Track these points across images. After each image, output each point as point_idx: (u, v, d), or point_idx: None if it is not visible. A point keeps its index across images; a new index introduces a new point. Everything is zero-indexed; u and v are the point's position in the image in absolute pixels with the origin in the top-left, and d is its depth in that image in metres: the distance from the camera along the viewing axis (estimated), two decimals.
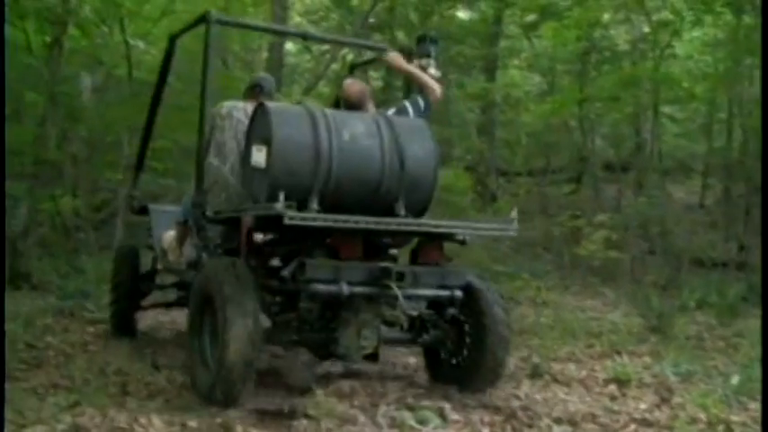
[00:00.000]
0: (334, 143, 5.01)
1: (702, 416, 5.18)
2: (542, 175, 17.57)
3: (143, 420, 4.51)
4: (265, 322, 5.19)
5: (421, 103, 6.02)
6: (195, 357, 5.26)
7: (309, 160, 4.95)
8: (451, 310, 5.49)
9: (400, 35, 19.41)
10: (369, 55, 8.18)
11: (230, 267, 5.01)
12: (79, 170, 11.68)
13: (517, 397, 5.78)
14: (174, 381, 5.75)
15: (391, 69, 6.57)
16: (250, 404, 5.06)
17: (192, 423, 4.55)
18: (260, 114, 5.25)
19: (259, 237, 5.29)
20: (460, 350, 5.68)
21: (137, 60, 11.01)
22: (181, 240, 6.73)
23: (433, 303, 5.60)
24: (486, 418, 5.09)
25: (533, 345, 7.60)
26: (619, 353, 7.26)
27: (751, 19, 11.89)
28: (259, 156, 5.11)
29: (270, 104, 5.30)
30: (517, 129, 17.85)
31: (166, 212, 7.22)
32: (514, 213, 5.35)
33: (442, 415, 5.07)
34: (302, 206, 4.81)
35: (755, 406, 5.38)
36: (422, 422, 4.92)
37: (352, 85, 6.01)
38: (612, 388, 6.06)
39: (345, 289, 4.88)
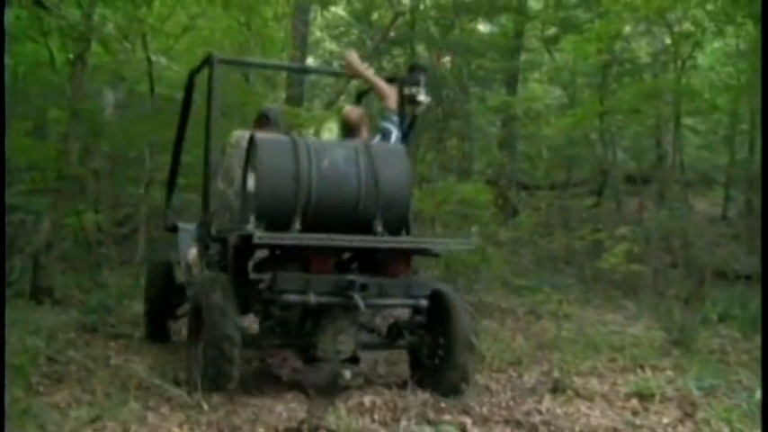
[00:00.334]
0: (314, 169, 5.60)
1: (726, 431, 5.14)
2: (563, 188, 17.50)
3: None
4: (256, 328, 6.09)
5: (394, 119, 6.69)
6: (191, 357, 5.91)
7: (291, 185, 5.55)
8: (418, 318, 6.06)
9: (420, 49, 19.48)
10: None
11: (217, 280, 5.79)
12: (101, 185, 11.78)
13: (539, 411, 5.75)
14: (195, 395, 5.76)
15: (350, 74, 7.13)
16: (272, 419, 5.07)
17: None
18: (251, 145, 5.83)
19: (261, 254, 5.89)
20: (435, 355, 6.08)
21: (158, 76, 11.10)
22: (201, 256, 6.98)
23: (415, 311, 6.11)
24: None
25: (555, 359, 7.55)
26: (641, 367, 7.19)
27: None
28: (251, 181, 5.71)
29: (259, 137, 5.88)
30: (538, 142, 17.81)
31: (192, 231, 7.62)
32: (474, 229, 6.11)
33: (463, 430, 5.07)
34: (286, 226, 5.47)
35: None
36: None
37: (352, 112, 6.97)
38: (635, 402, 6.01)
39: (313, 299, 5.46)
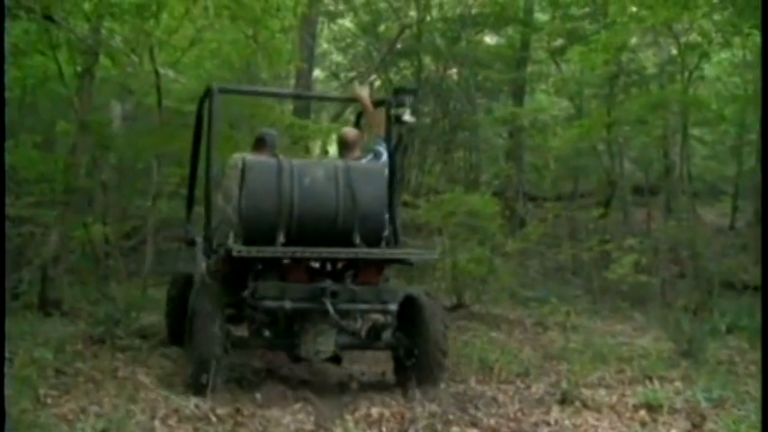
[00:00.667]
0: (296, 187, 6.27)
1: None
2: (571, 199, 17.49)
3: None
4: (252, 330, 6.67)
5: (383, 144, 7.25)
6: (187, 354, 6.53)
7: (275, 202, 6.23)
8: (389, 319, 6.51)
9: (427, 61, 19.52)
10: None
11: (208, 288, 6.59)
12: (109, 197, 11.80)
13: (547, 423, 5.74)
14: (202, 407, 5.77)
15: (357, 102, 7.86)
16: (280, 431, 5.07)
17: None
18: (242, 167, 6.51)
19: (258, 267, 6.42)
20: (411, 354, 6.60)
21: (166, 89, 11.10)
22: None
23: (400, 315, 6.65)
24: None
25: (562, 370, 7.54)
26: (649, 378, 7.17)
27: None
28: (241, 199, 6.41)
29: (248, 159, 6.66)
30: (545, 153, 17.78)
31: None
32: (438, 239, 6.91)
33: None
34: (272, 239, 6.15)
35: None
36: None
37: (349, 133, 7.64)
38: (643, 414, 5.99)
39: (288, 305, 6.11)
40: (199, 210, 8.16)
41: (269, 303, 6.17)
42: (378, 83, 20.34)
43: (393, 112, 7.16)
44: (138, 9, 9.30)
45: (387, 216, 6.67)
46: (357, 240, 6.34)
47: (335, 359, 6.61)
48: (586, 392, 6.55)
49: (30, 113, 12.67)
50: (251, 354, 7.85)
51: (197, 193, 8.26)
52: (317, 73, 21.38)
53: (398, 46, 18.66)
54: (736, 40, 13.69)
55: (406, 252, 6.93)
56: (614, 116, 14.84)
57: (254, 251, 6.05)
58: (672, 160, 16.35)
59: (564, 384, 6.77)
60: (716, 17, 12.44)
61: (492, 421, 5.77)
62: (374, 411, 5.94)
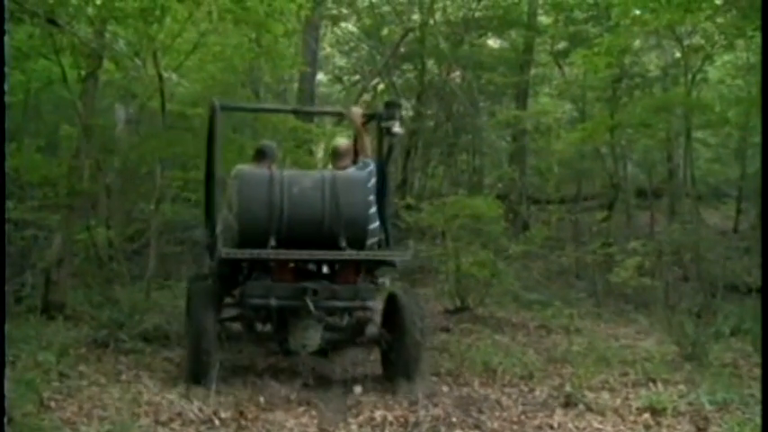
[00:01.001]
0: (286, 196, 6.78)
1: None
2: (574, 202, 17.47)
3: None
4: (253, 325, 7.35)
5: (371, 160, 7.67)
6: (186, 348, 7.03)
7: (265, 210, 6.74)
8: (368, 314, 7.07)
9: (430, 64, 19.53)
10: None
11: (204, 287, 7.28)
12: (113, 201, 11.82)
13: (550, 426, 5.74)
14: (205, 410, 5.77)
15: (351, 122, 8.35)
16: None
17: None
18: (238, 178, 7.13)
19: (249, 267, 6.99)
20: (393, 349, 7.06)
21: (170, 92, 11.12)
22: None
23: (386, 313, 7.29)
24: None
25: (566, 373, 7.54)
26: (653, 381, 7.16)
27: None
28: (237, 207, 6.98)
29: (245, 171, 7.26)
30: (548, 156, 17.78)
31: None
32: (411, 244, 7.56)
33: None
34: (264, 243, 6.65)
35: None
36: None
37: (340, 144, 8.17)
38: (647, 417, 5.99)
39: (274, 302, 6.63)
40: None
41: (256, 301, 6.72)
42: (381, 86, 20.37)
43: (383, 124, 7.59)
44: (141, 13, 9.30)
45: (368, 220, 7.13)
46: (342, 243, 6.78)
47: (323, 352, 7.16)
48: (590, 395, 6.55)
49: (33, 117, 12.69)
50: (254, 357, 7.86)
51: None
52: (320, 76, 21.38)
53: (402, 49, 18.66)
54: (740, 42, 13.68)
55: (382, 254, 7.28)
56: (617, 119, 14.82)
57: (239, 253, 6.72)
58: (675, 163, 16.36)
59: (567, 387, 6.77)
60: (719, 20, 12.41)
61: (495, 424, 5.77)
62: (377, 415, 5.95)
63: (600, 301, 12.19)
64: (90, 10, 9.71)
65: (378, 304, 7.29)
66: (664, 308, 10.54)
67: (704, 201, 17.07)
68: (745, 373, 7.59)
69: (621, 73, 15.81)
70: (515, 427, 5.74)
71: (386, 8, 19.58)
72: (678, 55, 14.96)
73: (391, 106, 7.71)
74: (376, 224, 7.44)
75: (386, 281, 7.66)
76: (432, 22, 18.30)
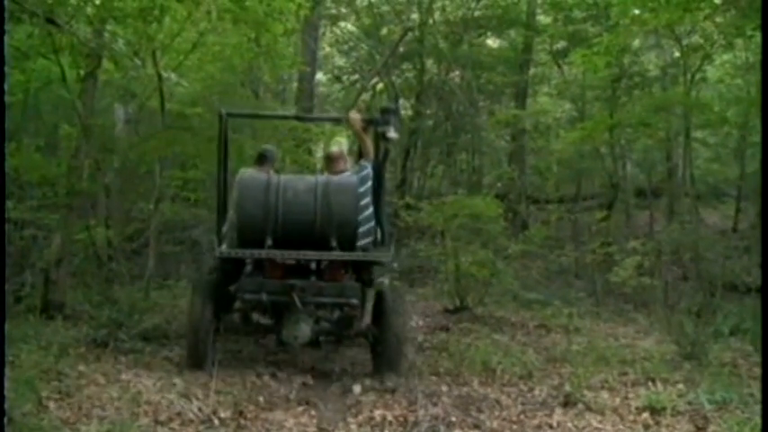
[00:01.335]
0: (281, 199, 7.26)
1: None
2: (573, 201, 17.47)
3: None
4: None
5: (368, 162, 8.01)
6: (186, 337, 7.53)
7: (262, 212, 7.23)
8: (353, 310, 7.38)
9: (429, 63, 19.52)
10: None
11: (204, 283, 7.81)
12: (112, 201, 11.81)
13: (550, 425, 5.74)
14: (204, 410, 5.77)
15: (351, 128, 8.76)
16: None
17: None
18: (238, 182, 7.62)
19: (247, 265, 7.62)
20: (378, 343, 7.49)
21: (169, 92, 11.11)
22: None
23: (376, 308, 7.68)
24: None
25: (565, 372, 7.54)
26: (652, 380, 7.16)
27: None
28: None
29: (244, 176, 7.70)
30: (548, 156, 17.81)
31: None
32: (391, 249, 7.87)
33: None
34: (261, 243, 7.16)
35: None
36: None
37: (334, 151, 8.89)
38: (646, 416, 5.99)
39: (264, 297, 7.16)
40: None
41: (249, 296, 7.26)
42: (380, 86, 20.35)
43: (379, 129, 8.02)
44: (140, 13, 9.30)
45: (358, 222, 7.53)
46: (333, 244, 7.22)
47: (314, 343, 7.63)
48: (589, 395, 6.55)
49: (33, 117, 12.66)
50: (254, 357, 7.87)
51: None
52: (319, 76, 21.38)
53: (401, 49, 18.63)
54: (739, 42, 13.68)
55: (364, 255, 7.61)
56: (617, 119, 14.83)
57: (232, 252, 7.40)
58: (674, 163, 16.36)
59: (567, 387, 6.77)
60: (718, 19, 12.41)
61: (495, 424, 5.77)
62: (377, 414, 5.95)
63: (599, 301, 12.20)
64: (89, 9, 9.71)
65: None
66: (663, 307, 10.55)
67: (703, 200, 17.06)
68: (744, 373, 7.59)
69: (621, 72, 15.81)
70: (515, 426, 5.74)
71: (385, 8, 19.57)
72: (677, 54, 14.96)
73: (386, 112, 8.16)
74: (371, 224, 7.87)
75: (384, 280, 8.19)
76: (431, 21, 18.30)
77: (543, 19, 19.27)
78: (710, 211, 17.73)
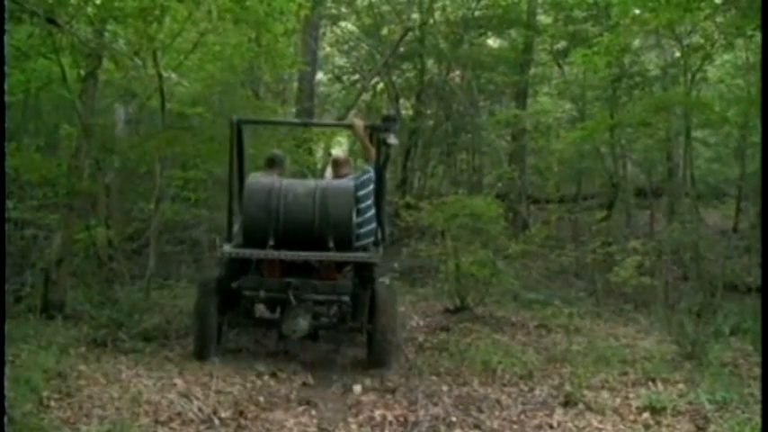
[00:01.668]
0: (282, 202, 7.78)
1: None
2: (574, 201, 17.46)
3: None
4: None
5: (371, 167, 8.50)
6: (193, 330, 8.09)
7: (264, 214, 7.75)
8: (345, 307, 7.85)
9: (430, 63, 19.52)
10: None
11: (210, 280, 8.23)
12: (112, 200, 11.81)
13: (550, 425, 5.74)
14: (205, 410, 5.77)
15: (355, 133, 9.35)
16: None
17: None
18: (245, 187, 8.20)
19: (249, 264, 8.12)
20: (371, 336, 7.89)
21: (169, 92, 11.11)
22: None
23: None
24: None
25: (566, 372, 7.54)
26: (653, 380, 7.17)
27: None
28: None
29: (250, 181, 8.28)
30: (548, 156, 17.78)
31: None
32: (380, 250, 8.18)
33: None
34: (264, 243, 7.67)
35: None
36: None
37: (339, 156, 9.95)
38: (647, 416, 6.00)
39: (263, 294, 7.70)
40: None
41: (248, 293, 7.76)
42: (380, 86, 20.36)
43: (380, 136, 8.45)
44: (141, 12, 9.30)
45: (354, 224, 8.01)
46: (330, 244, 7.70)
47: (312, 336, 7.97)
48: (590, 395, 6.56)
49: (33, 117, 12.65)
50: (255, 357, 7.87)
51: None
52: (319, 76, 21.38)
53: (401, 49, 18.65)
54: (739, 42, 13.67)
55: (354, 255, 7.98)
56: (617, 119, 14.82)
57: (233, 253, 7.81)
58: (675, 163, 16.35)
59: (567, 387, 6.77)
60: (719, 19, 12.41)
61: (495, 424, 5.77)
62: (377, 414, 5.95)
63: (599, 301, 12.19)
64: (89, 9, 9.70)
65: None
66: (663, 307, 10.54)
67: (704, 200, 17.05)
68: (744, 373, 7.59)
69: (621, 72, 15.81)
70: (515, 426, 5.74)
71: (385, 7, 19.58)
72: (678, 54, 14.94)
73: (387, 120, 8.66)
74: (372, 225, 8.39)
75: (386, 279, 8.98)
76: (431, 21, 18.31)
77: (543, 19, 19.26)
78: (711, 211, 17.73)
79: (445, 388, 6.89)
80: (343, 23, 21.33)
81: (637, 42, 15.70)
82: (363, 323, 8.00)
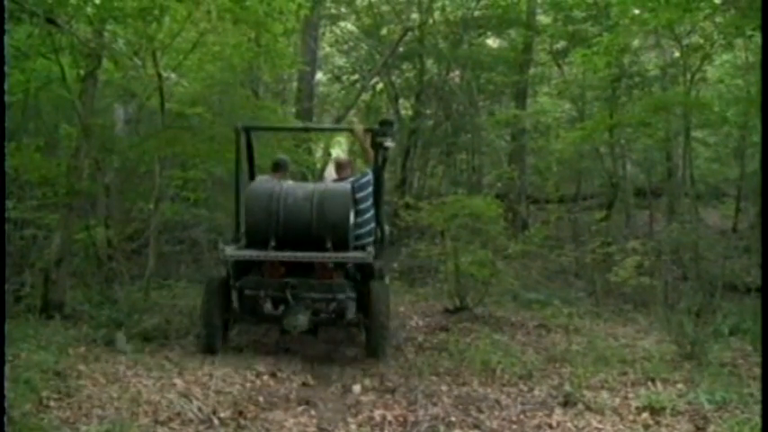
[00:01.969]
0: (282, 205, 8.21)
1: None
2: (573, 201, 17.45)
3: None
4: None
5: (370, 169, 8.98)
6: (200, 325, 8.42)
7: (266, 216, 8.18)
8: (342, 304, 8.26)
9: (429, 63, 19.52)
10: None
11: (216, 280, 8.56)
12: (112, 200, 11.80)
13: (549, 425, 5.74)
14: (204, 410, 5.77)
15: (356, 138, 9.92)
16: None
17: None
18: (248, 190, 8.66)
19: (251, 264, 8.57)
20: (367, 330, 8.24)
21: (169, 92, 11.11)
22: None
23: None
24: None
25: (565, 372, 7.54)
26: (652, 380, 7.17)
27: None
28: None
29: (252, 185, 8.82)
30: (548, 156, 17.79)
31: None
32: (370, 250, 8.18)
33: None
34: (266, 244, 8.11)
35: None
36: None
37: (341, 158, 10.35)
38: (646, 416, 5.99)
39: (263, 293, 8.28)
40: None
41: (250, 292, 8.30)
42: (380, 85, 20.36)
43: (378, 140, 8.84)
44: (140, 12, 9.31)
45: (351, 225, 8.40)
46: (328, 245, 8.09)
47: (312, 331, 8.30)
48: (589, 395, 6.56)
49: (32, 116, 12.63)
50: (254, 357, 7.87)
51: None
52: (319, 76, 21.37)
53: (401, 49, 18.64)
54: (739, 42, 13.67)
55: (344, 256, 8.28)
56: (617, 119, 14.83)
57: (235, 255, 8.21)
58: (674, 162, 16.35)
59: (567, 387, 6.77)
60: (718, 19, 12.41)
61: (494, 424, 5.77)
62: (377, 414, 5.95)
63: (599, 301, 12.19)
64: (89, 9, 9.70)
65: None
66: (663, 307, 10.54)
67: (703, 200, 17.06)
68: (744, 373, 7.59)
69: (620, 72, 15.81)
70: (514, 426, 5.74)
71: (385, 7, 19.56)
72: (677, 54, 14.94)
73: (385, 124, 9.08)
74: (371, 226, 8.85)
75: (385, 279, 9.12)
76: (431, 21, 18.29)
77: (543, 19, 19.26)
78: (710, 211, 17.72)
79: (444, 388, 6.90)
80: (342, 23, 21.32)
81: (636, 42, 15.71)
82: (361, 318, 8.36)
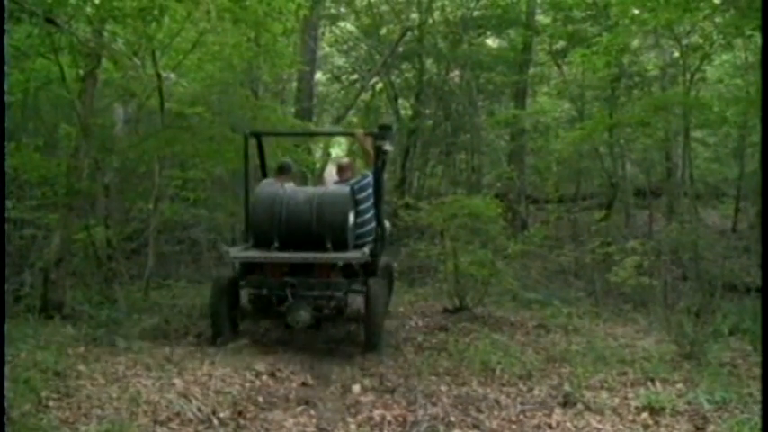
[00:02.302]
0: (284, 208, 8.73)
1: None
2: (573, 201, 17.44)
3: None
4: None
5: (370, 171, 9.33)
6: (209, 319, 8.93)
7: (269, 218, 8.71)
8: (340, 301, 8.58)
9: (429, 63, 19.51)
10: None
11: (224, 278, 9.05)
12: (111, 200, 11.80)
13: (549, 425, 5.74)
14: (203, 410, 5.77)
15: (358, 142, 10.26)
16: None
17: None
18: (254, 194, 9.20)
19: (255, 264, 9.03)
20: (365, 325, 8.65)
21: (168, 92, 11.12)
22: None
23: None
24: None
25: (565, 372, 7.54)
26: (652, 380, 7.16)
27: None
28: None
29: (258, 188, 9.28)
30: (547, 156, 17.80)
31: None
32: (365, 251, 8.64)
33: None
34: (270, 245, 8.62)
35: None
36: None
37: (343, 161, 10.73)
38: (646, 416, 5.99)
39: (265, 291, 8.61)
40: None
41: (252, 291, 8.73)
42: (379, 85, 20.35)
43: (377, 143, 9.21)
44: (140, 12, 9.30)
45: (350, 227, 8.80)
46: (328, 245, 8.55)
47: (315, 326, 8.71)
48: (589, 395, 6.55)
49: (32, 116, 12.66)
50: (254, 357, 7.87)
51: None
52: (318, 76, 21.36)
53: (400, 49, 18.64)
54: (738, 42, 13.67)
55: (341, 256, 8.67)
56: (616, 118, 14.84)
57: (239, 255, 8.78)
58: (674, 162, 16.35)
59: (566, 387, 6.77)
60: (717, 19, 12.41)
61: (494, 424, 5.76)
62: (376, 414, 5.95)
63: (598, 301, 12.19)
64: (88, 9, 9.70)
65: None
66: (662, 307, 10.53)
67: (703, 200, 17.07)
68: (743, 373, 7.58)
69: (620, 72, 15.83)
70: (514, 426, 5.74)
71: (384, 7, 19.56)
72: (677, 54, 14.95)
73: (384, 129, 9.53)
74: (372, 226, 9.20)
75: (394, 274, 9.82)
76: (430, 21, 18.30)
77: (543, 19, 19.25)
78: (710, 211, 17.73)
79: (444, 388, 6.89)
80: (342, 23, 21.31)
81: (636, 42, 15.71)
82: (359, 314, 8.68)
